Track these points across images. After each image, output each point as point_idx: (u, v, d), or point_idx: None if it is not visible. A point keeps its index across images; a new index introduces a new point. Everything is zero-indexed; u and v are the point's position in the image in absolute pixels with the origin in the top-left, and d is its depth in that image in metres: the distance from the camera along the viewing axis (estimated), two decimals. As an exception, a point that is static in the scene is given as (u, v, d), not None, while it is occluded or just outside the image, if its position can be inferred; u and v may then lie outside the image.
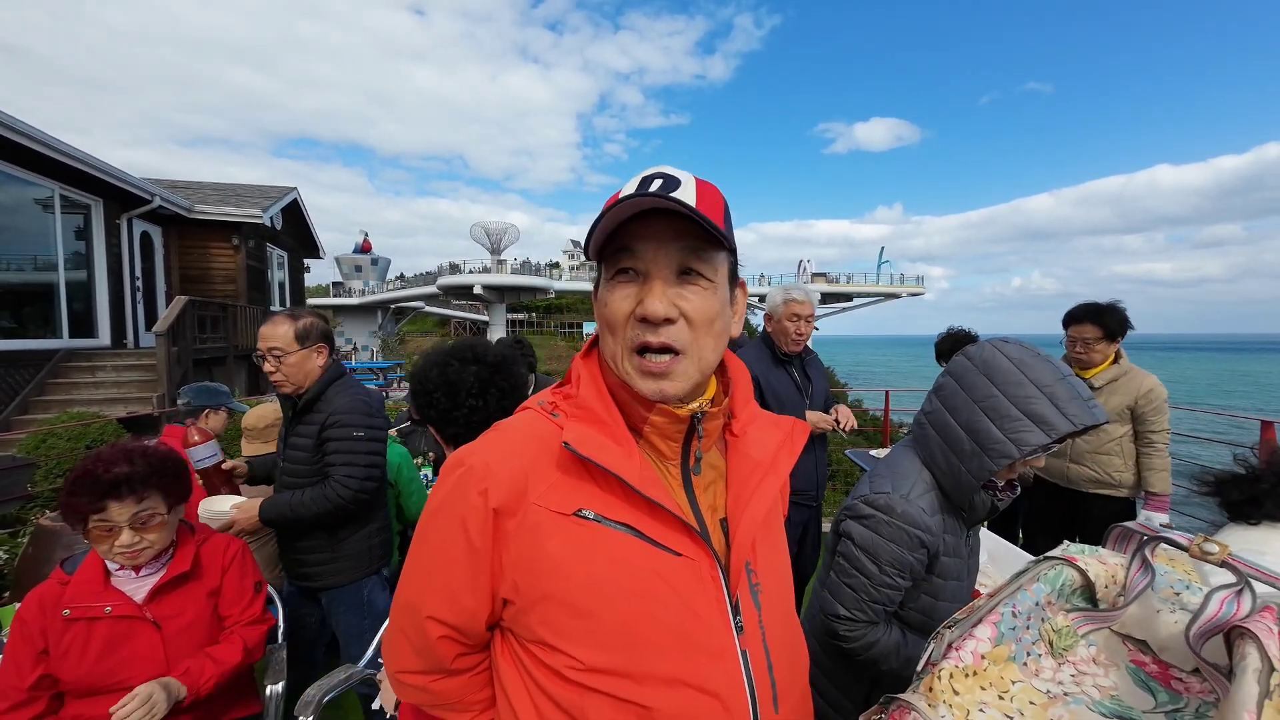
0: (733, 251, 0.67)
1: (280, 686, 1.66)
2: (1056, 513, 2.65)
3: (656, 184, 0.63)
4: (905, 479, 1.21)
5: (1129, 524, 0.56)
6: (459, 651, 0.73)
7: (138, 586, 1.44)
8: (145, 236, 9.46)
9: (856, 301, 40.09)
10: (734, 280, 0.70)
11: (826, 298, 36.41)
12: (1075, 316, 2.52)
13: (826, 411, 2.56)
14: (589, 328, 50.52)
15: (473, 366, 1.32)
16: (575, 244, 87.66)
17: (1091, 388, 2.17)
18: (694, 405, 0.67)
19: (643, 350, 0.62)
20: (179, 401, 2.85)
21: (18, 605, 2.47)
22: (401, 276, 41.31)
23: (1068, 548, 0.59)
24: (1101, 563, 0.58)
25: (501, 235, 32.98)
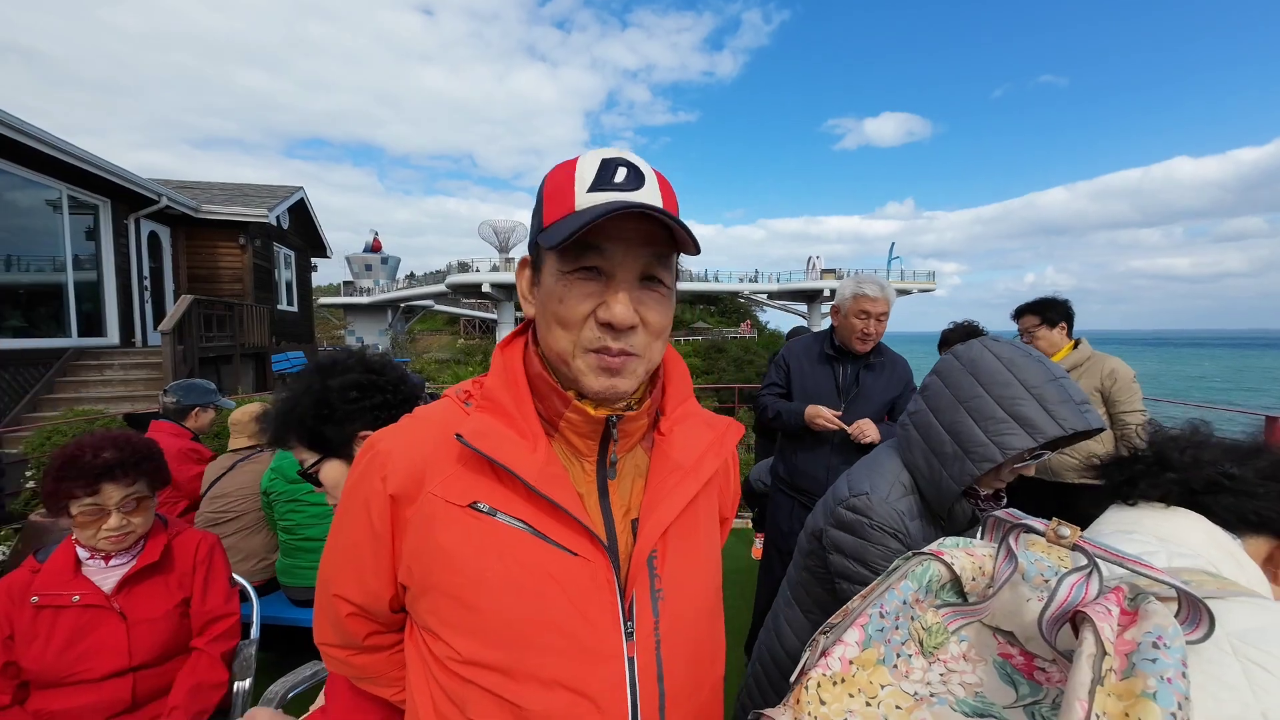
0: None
1: (248, 683, 1.67)
2: (1044, 509, 2.61)
3: (622, 173, 0.61)
4: (883, 479, 1.16)
5: (998, 512, 0.55)
6: (370, 630, 0.75)
7: (106, 577, 1.46)
8: (153, 236, 9.60)
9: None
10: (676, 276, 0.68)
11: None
12: (1019, 311, 2.87)
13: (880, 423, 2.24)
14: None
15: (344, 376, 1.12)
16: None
17: None
18: (613, 408, 0.65)
19: (599, 351, 0.61)
20: (166, 399, 2.89)
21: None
22: (411, 275, 41.61)
23: (943, 542, 0.58)
24: (969, 554, 0.56)
25: (510, 233, 33.09)
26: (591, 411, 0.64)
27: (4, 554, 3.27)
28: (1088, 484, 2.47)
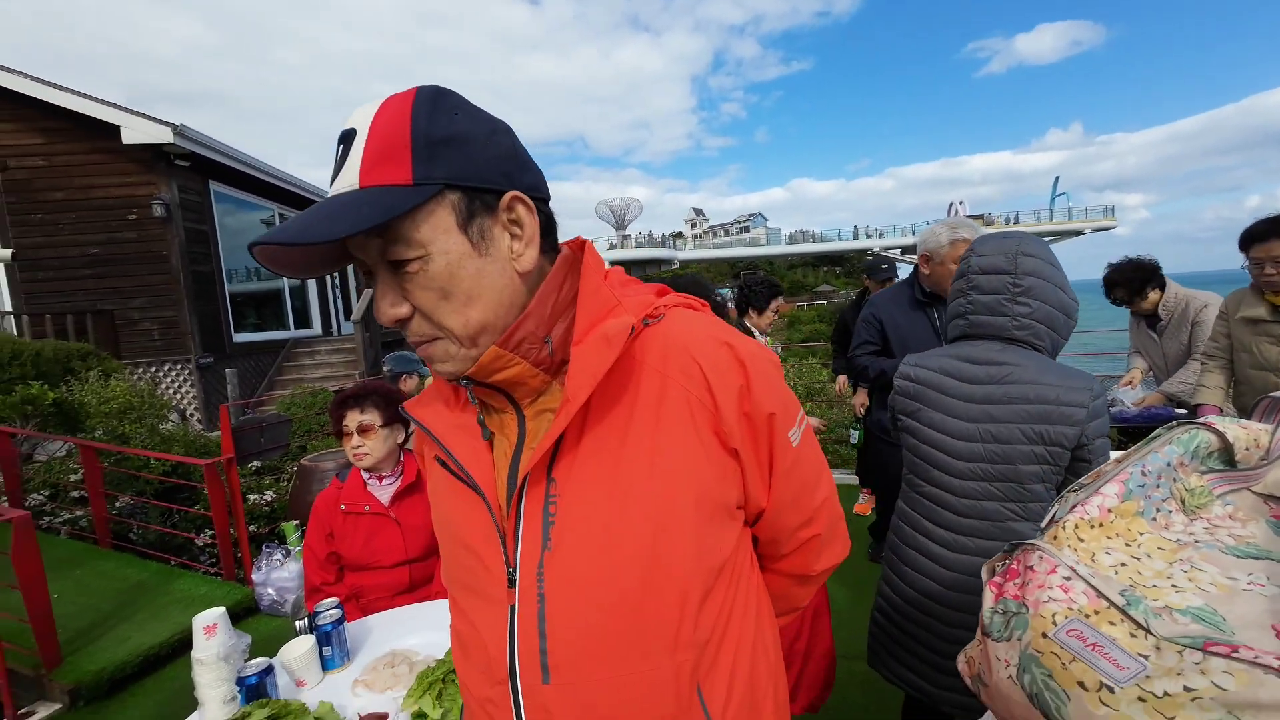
0: (457, 180, 0.53)
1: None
2: None
3: (340, 152, 0.54)
4: (1063, 369, 1.26)
5: (1276, 394, 0.55)
6: None
7: (383, 492, 1.89)
8: (338, 242, 11.31)
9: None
10: (478, 207, 0.55)
11: (982, 243, 32.07)
12: (1259, 234, 2.15)
13: None
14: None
15: None
16: (697, 212, 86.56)
17: None
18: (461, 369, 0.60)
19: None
20: (384, 369, 3.50)
21: (293, 521, 3.30)
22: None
23: (1214, 417, 0.59)
24: (1243, 427, 0.56)
25: (625, 210, 33.79)
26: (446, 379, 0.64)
27: (273, 495, 4.21)
28: None
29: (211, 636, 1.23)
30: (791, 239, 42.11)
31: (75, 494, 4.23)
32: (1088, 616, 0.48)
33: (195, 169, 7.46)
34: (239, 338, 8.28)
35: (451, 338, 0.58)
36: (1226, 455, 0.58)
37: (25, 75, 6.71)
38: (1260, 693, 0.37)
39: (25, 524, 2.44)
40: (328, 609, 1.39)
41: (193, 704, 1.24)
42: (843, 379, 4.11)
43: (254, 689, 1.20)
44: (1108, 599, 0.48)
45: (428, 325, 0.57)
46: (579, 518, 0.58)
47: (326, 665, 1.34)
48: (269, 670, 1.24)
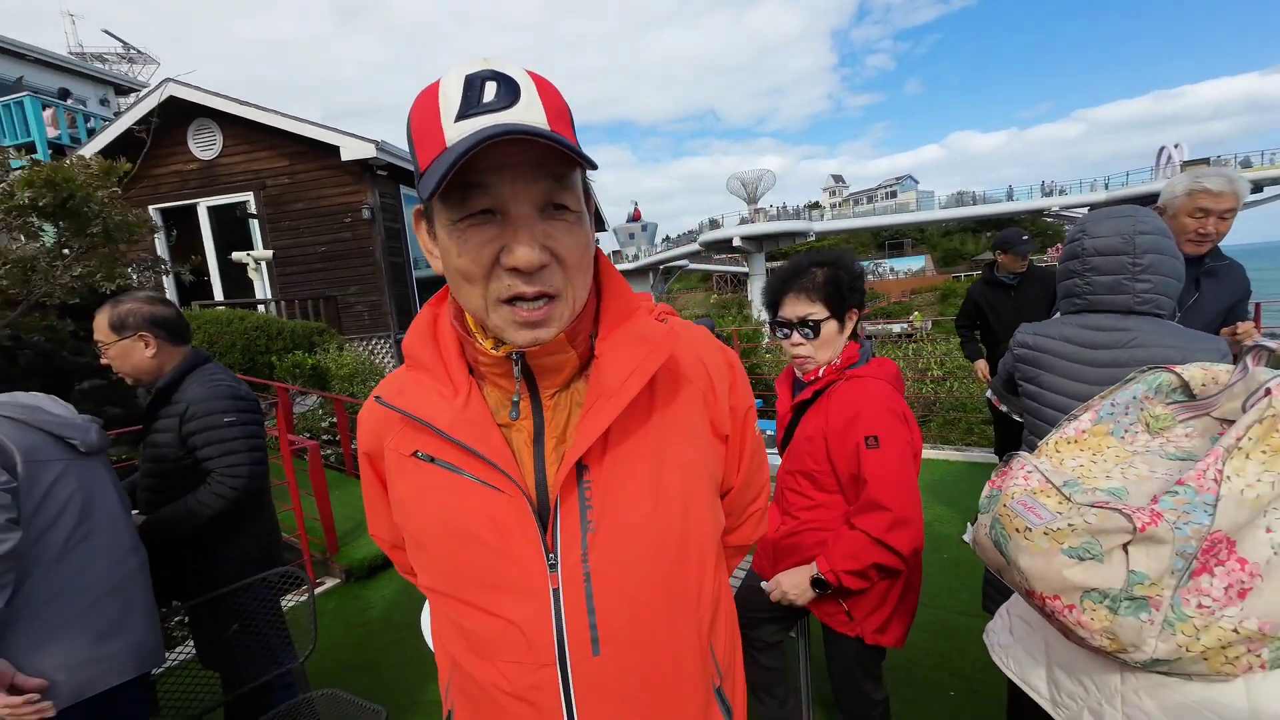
0: (586, 162, 0.56)
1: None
2: None
3: (491, 89, 0.53)
4: (1193, 334, 1.31)
5: (1251, 342, 0.71)
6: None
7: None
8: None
9: (1269, 193, 28.00)
10: (590, 190, 0.62)
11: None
12: None
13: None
14: (854, 269, 46.58)
15: None
16: (836, 179, 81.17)
17: None
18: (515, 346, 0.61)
19: (514, 300, 0.57)
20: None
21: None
22: (667, 238, 45.03)
23: (1168, 365, 0.77)
24: (1204, 369, 0.68)
25: (757, 183, 33.01)
26: (495, 352, 0.62)
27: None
28: None
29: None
30: (946, 203, 38.01)
31: (325, 437, 5.60)
32: (1035, 494, 0.74)
33: (391, 177, 8.98)
34: (423, 317, 9.91)
35: (567, 300, 0.59)
36: (1186, 391, 0.78)
37: (276, 112, 8.57)
38: (1107, 523, 0.63)
39: (316, 451, 3.45)
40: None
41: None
42: (982, 364, 3.63)
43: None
44: (1051, 483, 0.74)
45: (559, 279, 0.57)
46: (619, 500, 0.63)
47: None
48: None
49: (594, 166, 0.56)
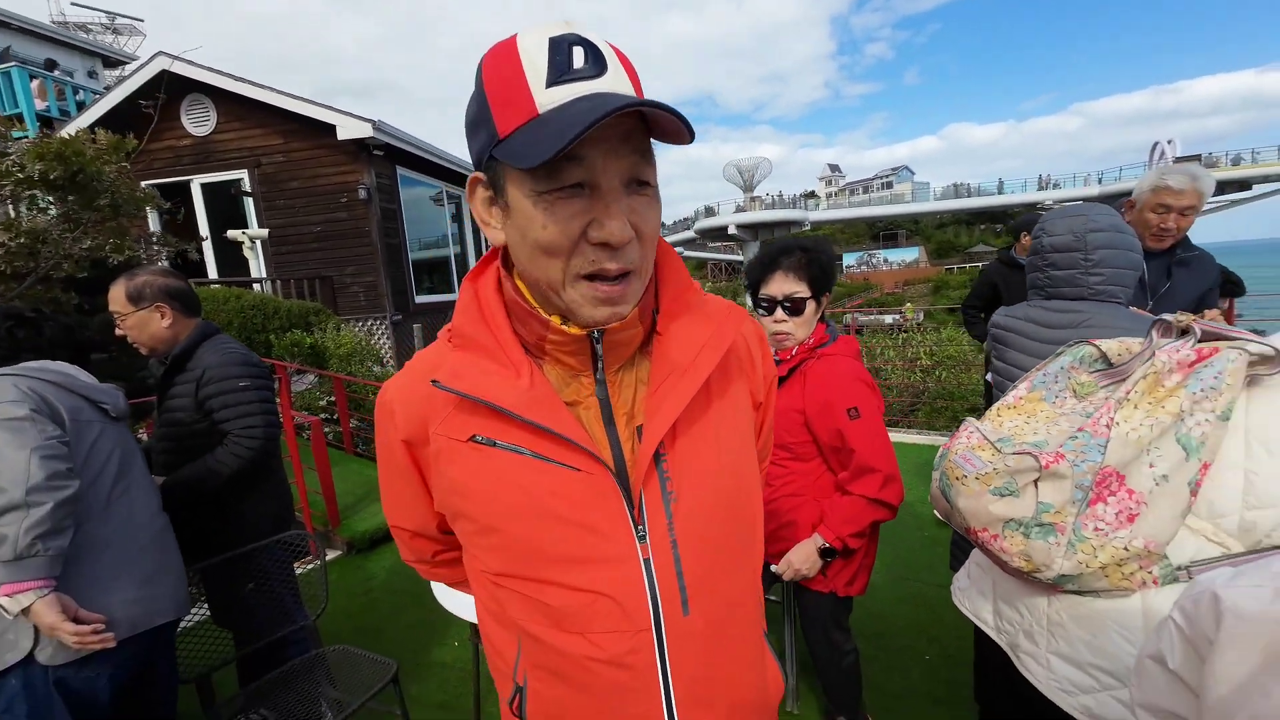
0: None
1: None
2: None
3: (579, 55, 0.52)
4: (1141, 317, 1.40)
5: (1155, 317, 0.85)
6: (435, 549, 0.82)
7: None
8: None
9: (1259, 190, 28.27)
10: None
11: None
12: None
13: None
14: (849, 258, 47.18)
15: None
16: (833, 169, 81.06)
17: None
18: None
19: (594, 276, 0.57)
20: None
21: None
22: (663, 225, 44.94)
23: (1089, 339, 0.91)
24: (1119, 343, 0.84)
25: (754, 170, 33.01)
26: (571, 330, 0.61)
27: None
28: None
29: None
30: (942, 195, 38.17)
31: (323, 415, 5.69)
32: (974, 449, 0.87)
33: (386, 157, 8.96)
34: (420, 299, 9.93)
35: (642, 276, 0.60)
36: (1106, 360, 0.91)
37: (271, 89, 8.51)
38: (1021, 464, 0.76)
39: (318, 427, 3.55)
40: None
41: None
42: None
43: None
44: (988, 440, 0.87)
45: (638, 255, 0.58)
46: (694, 469, 0.66)
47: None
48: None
49: (693, 138, 0.54)
